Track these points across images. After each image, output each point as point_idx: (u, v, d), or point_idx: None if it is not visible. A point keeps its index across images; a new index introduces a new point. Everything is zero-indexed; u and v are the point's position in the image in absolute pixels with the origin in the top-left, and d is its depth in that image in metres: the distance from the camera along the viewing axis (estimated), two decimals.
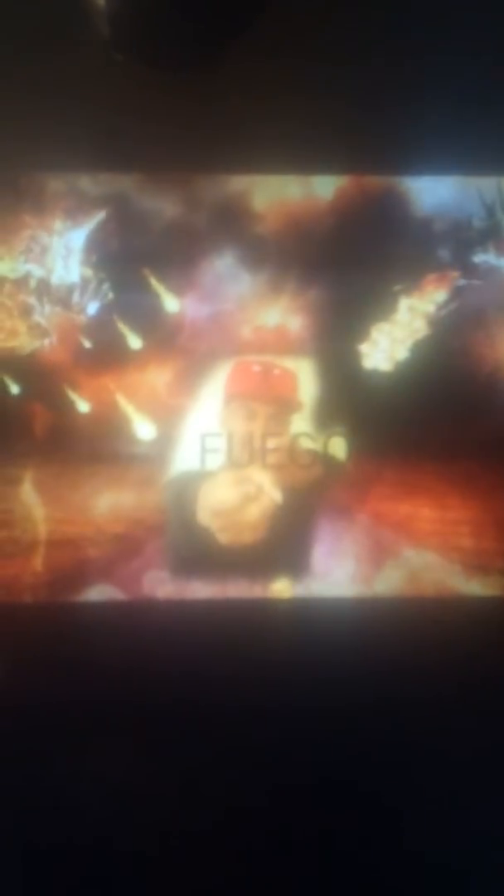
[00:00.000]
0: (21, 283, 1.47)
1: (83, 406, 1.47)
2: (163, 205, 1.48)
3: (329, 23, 1.42)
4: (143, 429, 1.47)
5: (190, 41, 1.32)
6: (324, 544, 1.48)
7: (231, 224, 1.49)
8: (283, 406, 1.49)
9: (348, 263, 1.49)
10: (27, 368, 1.47)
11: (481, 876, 1.39)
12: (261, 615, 1.46)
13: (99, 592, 1.46)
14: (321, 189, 1.49)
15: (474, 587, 1.49)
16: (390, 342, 1.49)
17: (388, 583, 1.48)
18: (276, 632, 1.43)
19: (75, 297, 1.48)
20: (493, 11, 1.46)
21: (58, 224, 1.47)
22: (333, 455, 1.48)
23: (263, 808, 1.40)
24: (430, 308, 1.50)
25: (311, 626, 1.44)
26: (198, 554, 1.46)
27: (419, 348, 1.49)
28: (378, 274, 1.49)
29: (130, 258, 1.47)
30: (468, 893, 1.40)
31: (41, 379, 1.47)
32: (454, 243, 1.50)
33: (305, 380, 1.49)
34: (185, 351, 1.48)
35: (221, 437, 1.48)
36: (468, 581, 1.49)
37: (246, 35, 1.32)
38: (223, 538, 1.46)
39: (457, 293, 1.50)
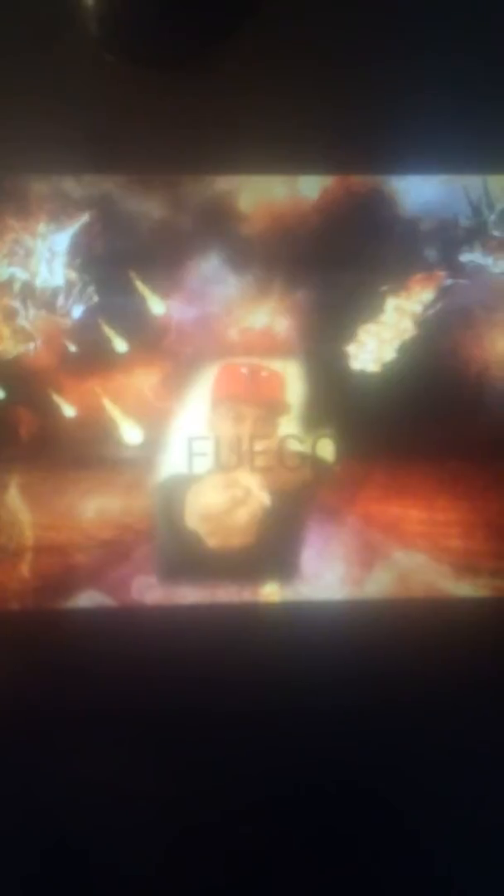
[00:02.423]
0: (5, 286, 1.46)
1: (69, 410, 1.46)
2: (148, 206, 1.47)
3: (315, 24, 1.42)
4: (130, 433, 1.46)
5: (179, 42, 1.31)
6: (313, 547, 1.48)
7: (217, 225, 1.48)
8: (271, 408, 1.48)
9: (335, 264, 1.48)
10: (12, 373, 1.45)
11: (478, 876, 1.40)
12: (250, 619, 1.45)
13: (87, 598, 1.45)
14: (307, 189, 1.48)
15: (464, 588, 1.49)
16: (378, 343, 1.49)
17: (378, 585, 1.48)
18: (265, 636, 1.42)
19: (60, 301, 1.47)
20: (478, 12, 1.45)
21: (42, 227, 1.46)
22: (322, 457, 1.48)
23: (256, 812, 1.40)
24: (417, 308, 1.50)
25: (300, 629, 1.44)
26: (186, 558, 1.46)
27: (407, 349, 1.49)
28: (365, 274, 1.49)
29: (115, 260, 1.46)
30: (466, 893, 1.40)
31: (26, 383, 1.46)
32: (441, 243, 1.50)
33: (293, 382, 1.48)
34: (172, 354, 1.48)
35: (209, 441, 1.47)
36: (457, 582, 1.49)
37: (233, 36, 1.32)
38: (212, 542, 1.46)
39: (444, 293, 1.50)
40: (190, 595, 1.47)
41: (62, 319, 1.47)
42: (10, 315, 1.46)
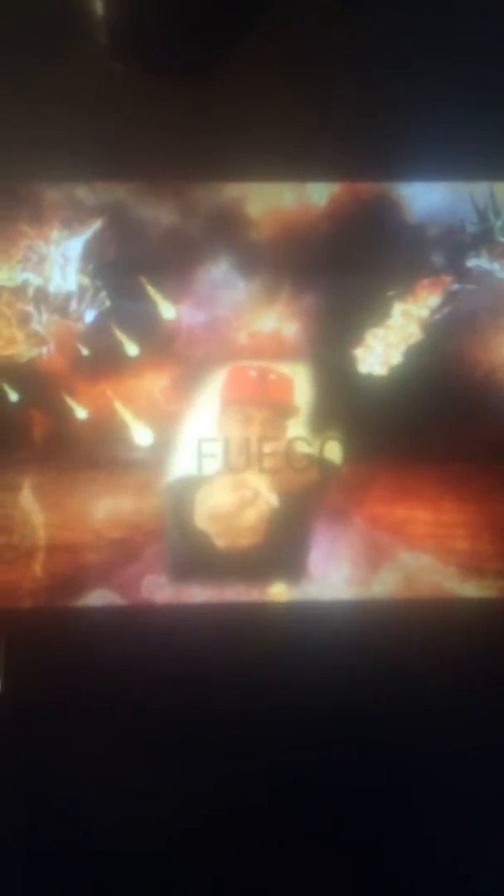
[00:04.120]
0: (19, 291, 1.49)
1: (81, 413, 1.48)
2: (158, 213, 1.50)
3: (323, 32, 1.44)
4: (141, 435, 1.48)
5: (188, 50, 1.33)
6: (320, 548, 1.49)
7: (226, 231, 1.50)
8: (279, 411, 1.50)
9: (342, 269, 1.50)
10: (26, 376, 1.48)
11: (480, 876, 1.40)
12: (258, 619, 1.47)
13: (98, 597, 1.47)
14: (315, 196, 1.50)
15: (469, 589, 1.50)
16: (385, 347, 1.50)
17: (385, 585, 1.49)
18: (273, 635, 1.43)
19: (73, 305, 1.49)
20: (484, 19, 1.47)
21: (55, 233, 1.49)
22: (329, 459, 1.49)
23: (262, 810, 1.41)
24: (423, 312, 1.51)
25: (308, 628, 1.45)
26: (195, 558, 1.48)
27: (413, 352, 1.50)
28: (372, 279, 1.50)
29: (127, 266, 1.49)
30: (470, 889, 1.40)
31: (39, 386, 1.48)
32: (447, 248, 1.52)
33: (301, 385, 1.50)
34: (182, 357, 1.50)
35: (218, 443, 1.49)
36: (463, 583, 1.50)
37: (241, 44, 1.34)
38: (220, 542, 1.47)
39: (450, 297, 1.51)
40: (199, 594, 1.48)
41: (75, 324, 1.49)
42: (24, 319, 1.49)
